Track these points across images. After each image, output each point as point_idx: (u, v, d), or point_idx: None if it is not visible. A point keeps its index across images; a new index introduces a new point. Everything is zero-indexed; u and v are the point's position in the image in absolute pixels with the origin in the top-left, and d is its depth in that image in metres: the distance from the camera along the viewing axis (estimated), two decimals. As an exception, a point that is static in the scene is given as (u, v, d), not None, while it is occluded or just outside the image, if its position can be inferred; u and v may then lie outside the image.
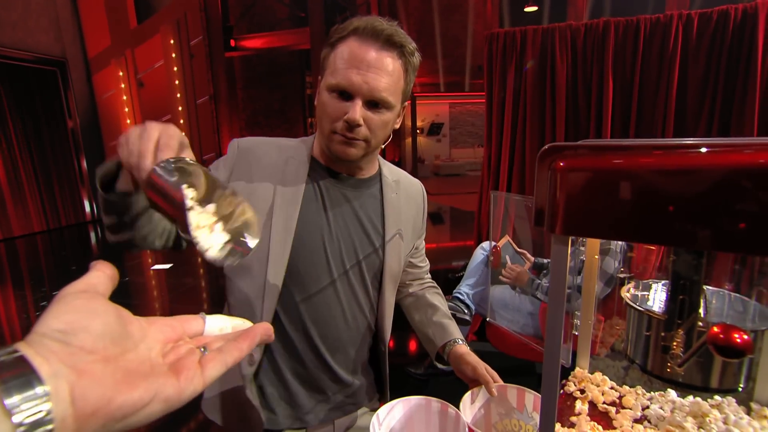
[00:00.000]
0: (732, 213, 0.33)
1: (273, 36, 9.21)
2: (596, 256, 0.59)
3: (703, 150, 0.36)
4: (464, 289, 2.19)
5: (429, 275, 1.12)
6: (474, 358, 0.88)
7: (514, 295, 2.02)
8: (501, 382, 0.84)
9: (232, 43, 8.99)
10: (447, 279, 3.43)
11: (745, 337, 0.38)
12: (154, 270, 4.49)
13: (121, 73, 7.73)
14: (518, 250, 2.19)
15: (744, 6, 2.14)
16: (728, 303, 0.50)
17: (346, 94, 0.75)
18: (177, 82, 8.30)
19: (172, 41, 8.11)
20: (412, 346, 2.77)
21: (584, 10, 10.50)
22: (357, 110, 0.74)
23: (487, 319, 2.00)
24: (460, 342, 0.95)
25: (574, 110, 2.71)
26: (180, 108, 8.43)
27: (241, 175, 0.82)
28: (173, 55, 8.17)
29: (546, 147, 0.45)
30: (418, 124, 13.28)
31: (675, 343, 0.44)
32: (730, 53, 2.24)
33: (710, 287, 0.51)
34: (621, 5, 9.71)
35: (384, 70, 0.75)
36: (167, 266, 4.51)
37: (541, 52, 2.71)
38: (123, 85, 7.77)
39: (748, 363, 0.45)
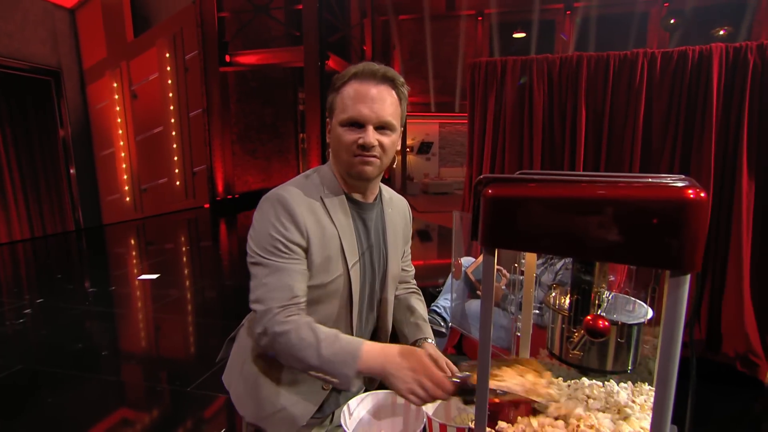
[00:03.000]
0: (604, 232, 0.46)
1: (267, 53, 9.40)
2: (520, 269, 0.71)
3: (586, 184, 0.48)
4: (441, 303, 2.29)
5: (414, 281, 1.27)
6: (437, 354, 0.99)
7: (489, 309, 2.13)
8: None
9: (227, 58, 9.15)
10: (431, 294, 3.53)
11: (606, 323, 0.49)
12: (140, 280, 4.51)
13: (115, 85, 7.82)
14: (495, 266, 2.32)
15: (700, 48, 2.35)
16: (622, 303, 0.62)
17: (358, 125, 0.91)
18: (171, 94, 8.41)
19: (167, 55, 8.25)
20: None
21: (570, 38, 10.94)
22: (370, 134, 0.90)
23: (450, 325, 2.12)
24: (429, 341, 1.09)
25: (551, 136, 2.88)
26: (172, 120, 8.52)
27: (311, 228, 0.92)
28: (168, 68, 8.30)
29: (480, 177, 0.58)
30: (408, 142, 13.55)
31: (576, 334, 0.55)
32: (689, 89, 2.44)
33: (615, 293, 0.63)
34: (604, 36, 10.18)
35: (385, 101, 0.92)
36: (154, 276, 4.53)
37: (519, 81, 2.89)
38: (116, 96, 7.86)
39: (633, 349, 0.56)
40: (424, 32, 12.09)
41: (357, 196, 1.01)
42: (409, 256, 1.23)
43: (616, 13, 10.32)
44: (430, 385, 0.75)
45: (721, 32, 8.95)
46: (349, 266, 0.96)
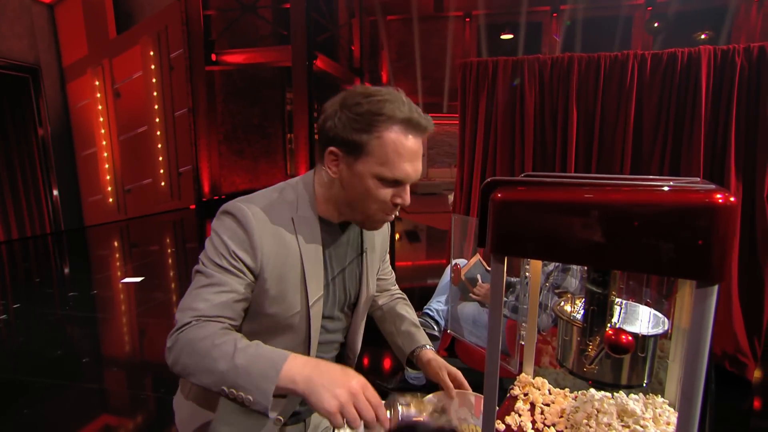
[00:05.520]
0: (626, 240, 0.42)
1: (255, 52, 9.29)
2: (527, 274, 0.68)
3: (606, 188, 0.45)
4: (434, 306, 2.26)
5: (396, 286, 1.19)
6: (439, 363, 0.95)
7: (482, 312, 2.11)
8: (465, 384, 0.91)
9: (214, 57, 9.01)
10: (420, 295, 3.51)
11: (630, 338, 0.47)
12: (123, 283, 4.39)
13: (97, 83, 7.63)
14: (488, 268, 2.30)
15: (689, 50, 2.37)
16: (633, 313, 0.59)
17: (397, 183, 0.82)
18: (155, 93, 8.23)
19: (151, 53, 8.08)
20: (383, 362, 2.81)
21: (557, 40, 11.06)
22: (408, 194, 0.84)
23: (448, 331, 2.09)
24: (428, 347, 1.03)
25: (542, 137, 2.87)
26: (157, 119, 8.35)
27: (269, 254, 0.82)
28: (152, 66, 8.13)
29: (487, 180, 0.54)
30: (397, 143, 13.53)
31: (591, 347, 0.52)
32: (679, 91, 2.46)
33: (628, 301, 0.61)
34: (590, 38, 10.33)
35: (421, 155, 0.84)
36: (138, 279, 4.42)
37: (511, 82, 2.88)
38: (98, 95, 7.66)
39: (650, 363, 0.54)
40: (412, 33, 12.10)
41: (332, 218, 0.90)
42: (387, 263, 1.16)
43: (601, 16, 10.48)
44: (364, 405, 0.64)
45: (703, 36, 9.16)
46: (310, 302, 0.86)
